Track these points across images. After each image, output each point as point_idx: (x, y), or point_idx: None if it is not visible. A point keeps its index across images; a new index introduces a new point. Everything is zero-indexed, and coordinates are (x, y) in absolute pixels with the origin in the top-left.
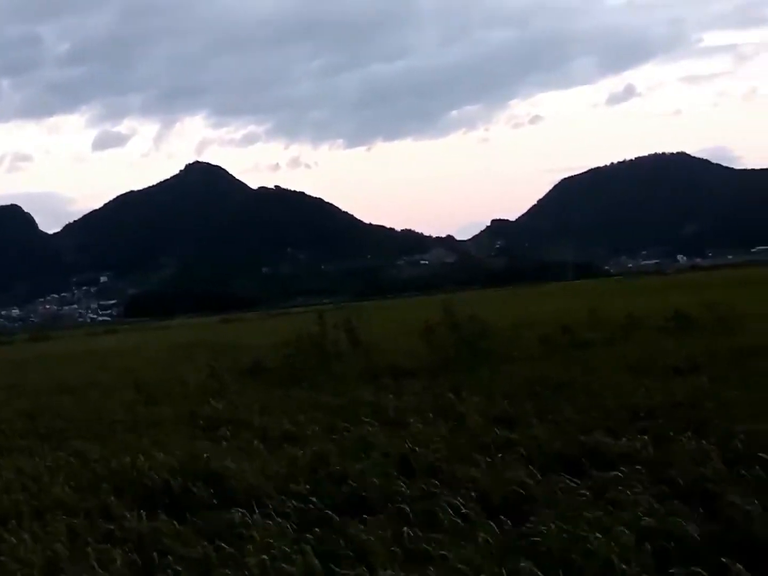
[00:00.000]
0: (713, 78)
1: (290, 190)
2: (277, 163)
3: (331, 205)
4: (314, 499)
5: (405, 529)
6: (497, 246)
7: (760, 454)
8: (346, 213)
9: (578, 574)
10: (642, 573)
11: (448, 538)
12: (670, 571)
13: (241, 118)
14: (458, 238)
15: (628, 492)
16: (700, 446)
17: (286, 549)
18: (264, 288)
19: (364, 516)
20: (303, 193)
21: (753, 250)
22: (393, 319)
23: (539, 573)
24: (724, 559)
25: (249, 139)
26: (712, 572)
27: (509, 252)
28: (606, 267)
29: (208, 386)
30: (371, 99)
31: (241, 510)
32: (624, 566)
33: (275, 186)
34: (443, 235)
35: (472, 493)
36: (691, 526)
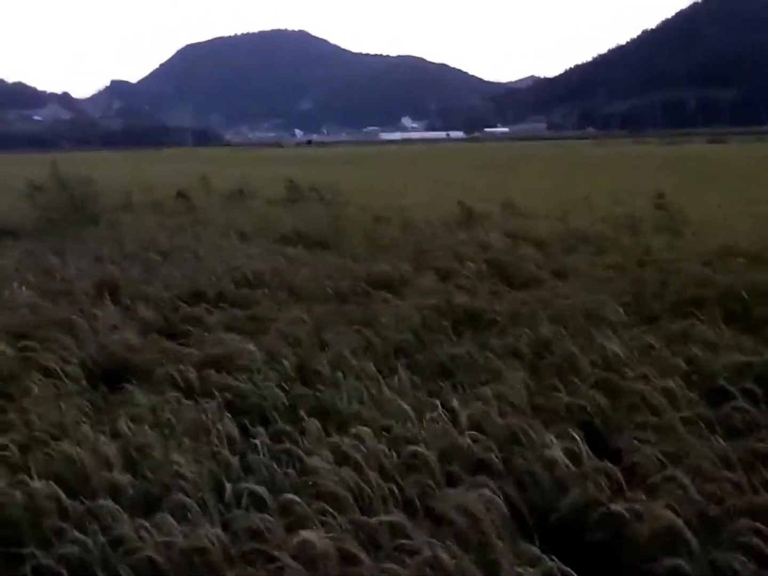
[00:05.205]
0: None
1: None
2: None
3: None
4: None
5: None
6: (116, 107)
7: None
8: None
9: None
10: None
11: None
12: None
13: None
14: (75, 95)
15: None
16: None
17: None
18: None
19: None
20: None
21: (365, 129)
22: None
23: None
24: None
25: None
26: None
27: (129, 113)
28: (226, 136)
29: None
30: None
31: None
32: None
33: None
34: (59, 92)
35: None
36: None
